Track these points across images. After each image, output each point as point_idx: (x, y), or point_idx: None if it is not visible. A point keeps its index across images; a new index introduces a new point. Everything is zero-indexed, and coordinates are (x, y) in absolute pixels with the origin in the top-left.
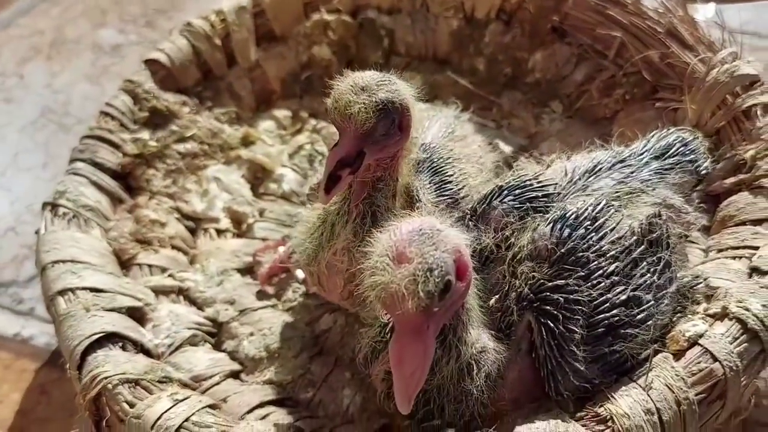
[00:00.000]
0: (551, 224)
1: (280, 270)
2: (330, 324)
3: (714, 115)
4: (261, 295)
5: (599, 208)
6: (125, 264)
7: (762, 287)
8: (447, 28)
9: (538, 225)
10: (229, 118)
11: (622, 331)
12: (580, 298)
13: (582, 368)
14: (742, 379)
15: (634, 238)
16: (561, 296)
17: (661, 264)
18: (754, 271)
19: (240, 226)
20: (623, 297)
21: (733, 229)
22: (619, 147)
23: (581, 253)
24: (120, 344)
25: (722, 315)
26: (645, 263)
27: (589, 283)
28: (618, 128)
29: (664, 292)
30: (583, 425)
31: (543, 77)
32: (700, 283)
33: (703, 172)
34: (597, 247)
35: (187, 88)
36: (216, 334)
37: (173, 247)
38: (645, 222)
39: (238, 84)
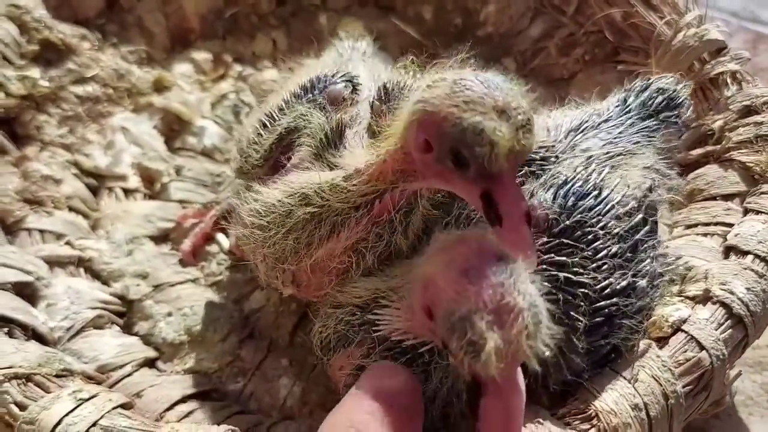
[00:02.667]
0: (553, 190)
1: (206, 241)
2: (262, 302)
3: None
4: (180, 267)
5: (603, 174)
6: (10, 229)
7: (745, 269)
8: None
9: (536, 190)
10: (138, 58)
11: (618, 321)
12: (585, 280)
13: (577, 361)
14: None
15: (639, 216)
16: (562, 275)
17: (659, 247)
18: (732, 250)
19: (152, 186)
20: (624, 283)
21: (702, 204)
22: (597, 104)
23: (589, 228)
24: (5, 330)
25: (705, 298)
26: (647, 246)
27: (594, 264)
28: (576, 90)
29: (660, 280)
30: (566, 423)
31: (496, 31)
32: (679, 262)
33: (687, 121)
34: (604, 222)
35: (87, 20)
36: (125, 314)
37: (71, 209)
38: (645, 195)
39: (150, 18)
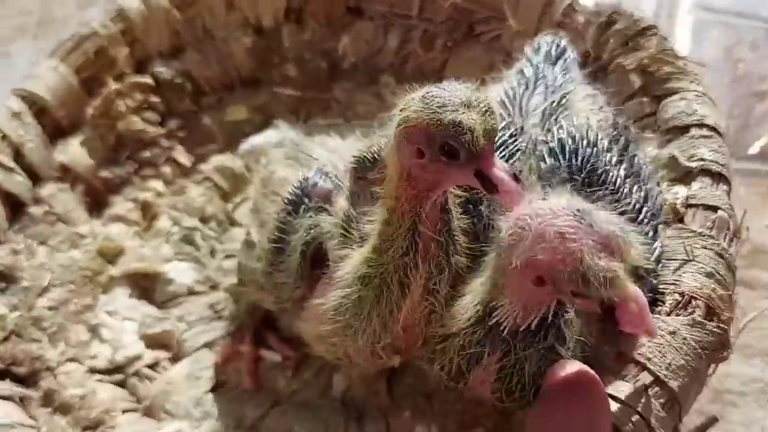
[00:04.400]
0: (552, 157)
1: (257, 363)
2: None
3: (539, 27)
4: (255, 400)
5: (570, 121)
6: None
7: (695, 138)
8: (241, 48)
9: (535, 163)
10: (71, 243)
11: (655, 223)
12: (623, 208)
13: (652, 266)
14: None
15: (622, 138)
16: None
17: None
18: (671, 131)
19: (169, 348)
20: (642, 193)
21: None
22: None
23: (600, 169)
24: None
25: (686, 175)
26: (637, 156)
27: (620, 193)
28: (450, 73)
29: (658, 176)
30: (677, 315)
31: (359, 58)
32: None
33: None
34: (605, 158)
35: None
36: None
37: (124, 411)
38: (617, 118)
39: (58, 201)
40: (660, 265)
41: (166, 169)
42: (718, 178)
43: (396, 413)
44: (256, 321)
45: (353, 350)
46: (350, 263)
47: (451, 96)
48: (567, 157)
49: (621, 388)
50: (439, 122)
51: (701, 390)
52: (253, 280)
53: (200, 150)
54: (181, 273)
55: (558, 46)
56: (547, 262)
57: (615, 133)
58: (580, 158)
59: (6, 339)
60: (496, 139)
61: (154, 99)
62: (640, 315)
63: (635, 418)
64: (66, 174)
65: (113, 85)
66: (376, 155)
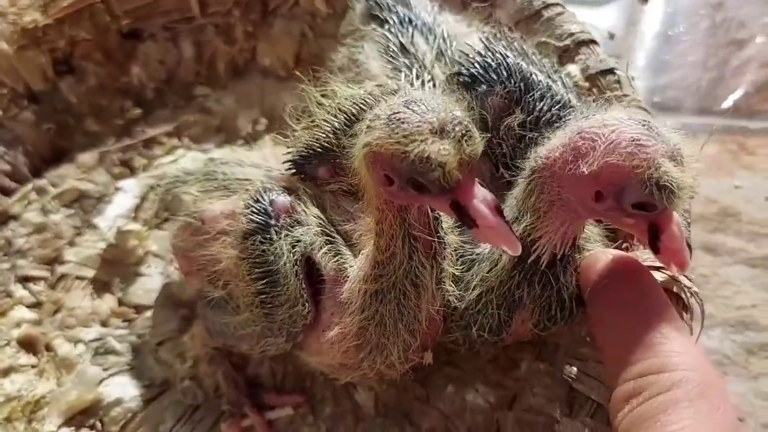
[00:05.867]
0: (481, 83)
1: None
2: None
3: None
4: None
5: (478, 45)
6: None
7: (555, 17)
8: (26, 126)
9: (461, 94)
10: None
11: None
12: (558, 98)
13: None
14: None
15: (514, 45)
16: (553, 108)
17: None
18: (520, 23)
19: None
20: (560, 82)
21: None
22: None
23: (524, 72)
24: None
25: (565, 54)
26: (531, 54)
27: (549, 89)
28: (268, 57)
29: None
30: None
31: (160, 81)
32: None
33: None
34: (520, 63)
35: None
36: None
37: None
38: (499, 32)
39: None
40: None
41: (23, 292)
42: (592, 44)
43: (440, 395)
44: (242, 388)
45: (386, 366)
46: (354, 282)
47: (421, 121)
48: (493, 74)
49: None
50: (404, 156)
51: None
52: (241, 338)
53: (46, 253)
54: (123, 387)
55: None
56: (621, 168)
57: (505, 41)
58: (504, 70)
59: None
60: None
61: None
62: (682, 242)
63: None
64: None
65: None
66: (310, 148)
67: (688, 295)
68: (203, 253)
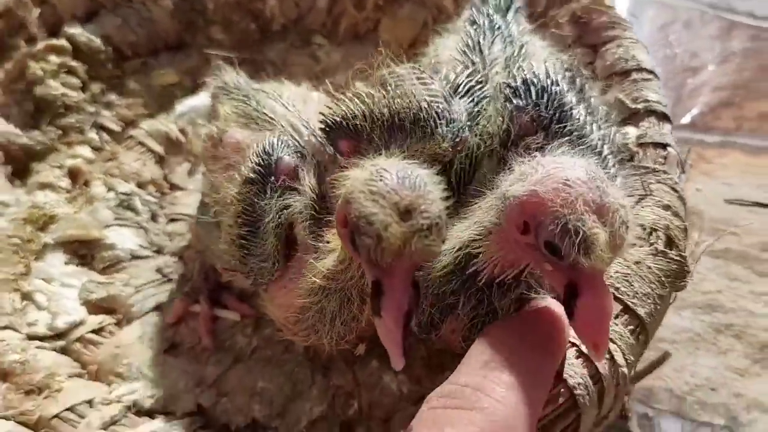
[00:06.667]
0: (519, 98)
1: (214, 323)
2: None
3: None
4: (213, 358)
5: (531, 67)
6: (38, 429)
7: (637, 81)
8: (163, 11)
9: (502, 106)
10: None
11: (614, 158)
12: (590, 143)
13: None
14: None
15: (578, 80)
16: (574, 148)
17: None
18: (611, 76)
19: (116, 313)
20: (602, 132)
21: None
22: (457, 22)
23: (566, 106)
24: None
25: (633, 117)
26: (592, 97)
27: (585, 130)
28: (387, 33)
29: (612, 118)
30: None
31: (288, 19)
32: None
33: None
34: (566, 98)
35: None
36: (212, 423)
37: (69, 376)
38: (572, 66)
39: None
40: None
41: (94, 135)
42: (663, 117)
43: (363, 363)
44: (211, 282)
45: (319, 345)
46: (317, 267)
47: (396, 190)
48: (533, 95)
49: None
50: (358, 207)
51: (662, 318)
52: (219, 258)
53: (128, 115)
54: (122, 238)
55: None
56: (541, 200)
57: (570, 75)
58: (546, 96)
59: None
60: (464, 85)
61: (74, 63)
62: (600, 318)
63: (610, 345)
64: None
65: (25, 48)
66: (345, 120)
67: None
68: (213, 169)
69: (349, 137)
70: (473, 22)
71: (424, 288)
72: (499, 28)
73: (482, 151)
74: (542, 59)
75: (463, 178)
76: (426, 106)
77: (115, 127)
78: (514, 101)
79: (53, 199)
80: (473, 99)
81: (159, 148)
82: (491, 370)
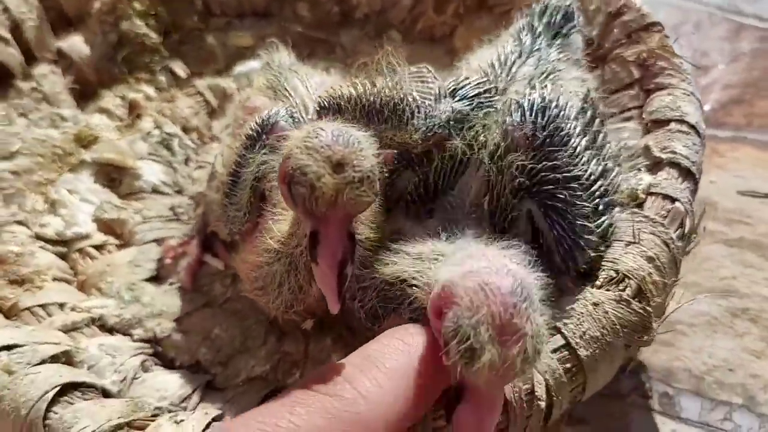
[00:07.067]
0: (519, 112)
1: (200, 266)
2: None
3: None
4: (187, 297)
5: (550, 89)
6: (10, 314)
7: (673, 132)
8: None
9: (503, 118)
10: (50, 122)
11: (608, 199)
12: (578, 173)
13: (594, 239)
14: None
15: (589, 112)
16: (558, 175)
17: (608, 135)
18: (653, 123)
19: (120, 236)
20: (600, 168)
21: (608, 100)
22: (505, 34)
23: (564, 133)
24: (78, 394)
25: (655, 165)
26: (602, 134)
27: (577, 160)
28: (460, 42)
29: (621, 158)
30: (607, 290)
31: (371, 10)
32: (620, 145)
33: (587, 34)
34: (569, 124)
35: None
36: (160, 353)
37: (54, 279)
38: (588, 95)
39: (47, 81)
40: (606, 242)
41: (162, 77)
42: (686, 173)
43: (318, 338)
44: (206, 230)
45: (268, 307)
46: (273, 229)
47: (328, 146)
48: (533, 114)
49: None
50: (293, 160)
51: (614, 369)
52: (211, 209)
53: (198, 66)
54: (151, 172)
55: (565, 13)
56: (453, 294)
57: (583, 105)
58: (545, 117)
59: None
60: (465, 90)
61: (161, 9)
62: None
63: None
64: (62, 59)
65: None
66: (333, 100)
67: None
68: (235, 128)
69: (332, 115)
70: (517, 38)
71: (371, 280)
72: (538, 50)
73: (468, 158)
74: (562, 85)
75: (444, 180)
76: (410, 99)
77: (182, 74)
78: (513, 116)
79: (105, 123)
80: (473, 105)
81: (214, 101)
82: (370, 364)
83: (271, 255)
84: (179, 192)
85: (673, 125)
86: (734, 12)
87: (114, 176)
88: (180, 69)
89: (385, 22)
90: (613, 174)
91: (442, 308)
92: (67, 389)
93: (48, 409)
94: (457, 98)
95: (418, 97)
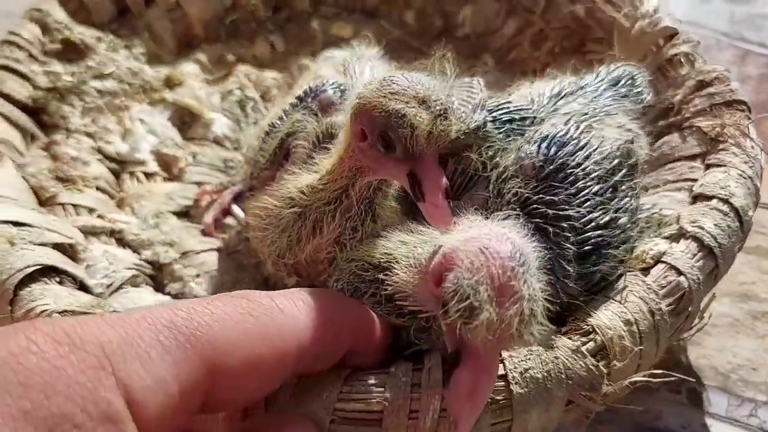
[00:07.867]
0: (537, 143)
1: (225, 215)
2: None
3: (642, 63)
4: (202, 237)
5: (581, 128)
6: (45, 204)
7: (711, 209)
8: None
9: (522, 145)
10: (149, 59)
11: (604, 251)
12: (571, 213)
13: (571, 285)
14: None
15: (617, 160)
16: (550, 210)
17: (637, 189)
18: (698, 197)
19: (170, 171)
20: (606, 218)
21: (668, 166)
22: (572, 77)
23: (570, 170)
24: (56, 279)
25: (679, 235)
26: (625, 186)
27: (577, 201)
28: None
29: (638, 216)
30: (568, 338)
31: (473, 31)
32: (655, 210)
33: (647, 104)
34: (584, 165)
35: (102, 24)
36: (156, 277)
37: (97, 188)
38: (624, 145)
39: (158, 24)
40: (590, 293)
41: (260, 47)
42: (707, 252)
43: None
44: (244, 185)
45: (262, 252)
46: (293, 181)
47: (409, 87)
48: (549, 146)
49: None
50: (383, 108)
51: (550, 420)
52: (249, 158)
53: (296, 46)
54: (219, 124)
55: (632, 79)
56: (454, 258)
57: (615, 153)
58: (559, 152)
59: (49, 91)
60: (505, 117)
61: None
62: (470, 395)
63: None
64: (177, 9)
65: None
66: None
67: None
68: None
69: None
70: (580, 80)
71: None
72: (594, 91)
73: (479, 177)
74: (602, 129)
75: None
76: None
77: (280, 48)
78: (531, 145)
79: (195, 73)
80: (502, 129)
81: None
82: (290, 293)
83: (286, 201)
84: (236, 148)
85: (714, 202)
86: (739, 39)
87: (186, 120)
88: (279, 44)
89: (483, 46)
90: (621, 230)
91: (443, 273)
92: (48, 272)
93: (25, 283)
94: (491, 117)
95: (457, 103)
